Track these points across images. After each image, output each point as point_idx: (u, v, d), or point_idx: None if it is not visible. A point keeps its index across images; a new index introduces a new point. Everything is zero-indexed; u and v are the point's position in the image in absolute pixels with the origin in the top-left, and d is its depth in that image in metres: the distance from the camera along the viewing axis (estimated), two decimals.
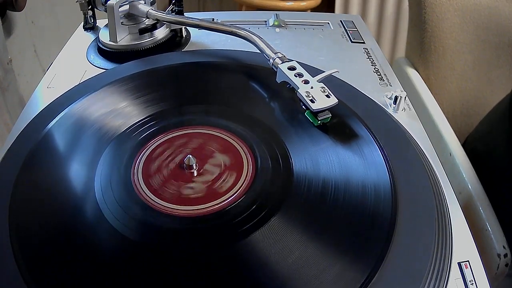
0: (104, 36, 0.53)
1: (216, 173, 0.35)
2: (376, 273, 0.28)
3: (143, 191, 0.34)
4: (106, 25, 0.54)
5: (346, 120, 0.40)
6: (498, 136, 0.59)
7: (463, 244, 0.32)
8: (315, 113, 0.39)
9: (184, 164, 0.36)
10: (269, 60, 0.44)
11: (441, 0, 0.75)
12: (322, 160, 0.36)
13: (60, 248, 0.30)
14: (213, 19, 0.59)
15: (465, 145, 0.63)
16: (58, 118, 0.41)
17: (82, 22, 0.59)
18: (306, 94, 0.39)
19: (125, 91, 0.44)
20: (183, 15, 0.55)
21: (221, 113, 0.42)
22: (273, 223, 0.31)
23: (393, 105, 0.45)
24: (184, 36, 0.56)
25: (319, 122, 0.39)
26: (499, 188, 0.54)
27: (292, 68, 0.42)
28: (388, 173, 0.34)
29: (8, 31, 0.74)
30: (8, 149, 0.38)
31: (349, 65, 0.52)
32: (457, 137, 0.64)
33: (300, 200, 0.33)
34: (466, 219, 0.34)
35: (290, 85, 0.42)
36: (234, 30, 0.48)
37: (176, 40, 0.55)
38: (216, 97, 0.44)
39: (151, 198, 0.33)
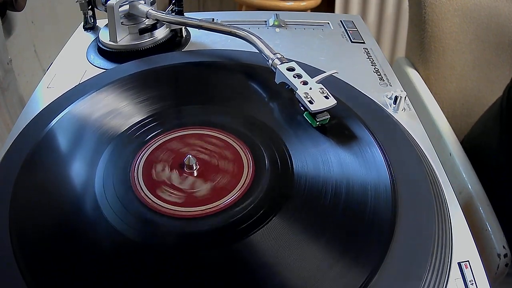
0: (104, 36, 0.53)
1: (216, 174, 0.35)
2: (376, 273, 0.28)
3: (143, 191, 0.34)
4: (106, 25, 0.54)
5: (346, 120, 0.40)
6: (491, 137, 0.59)
7: (463, 244, 0.32)
8: (314, 114, 0.39)
9: (184, 164, 0.36)
10: (268, 61, 0.44)
11: (441, 0, 0.75)
12: (322, 161, 0.36)
13: (61, 248, 0.30)
14: (213, 19, 0.60)
15: (461, 145, 0.63)
16: (58, 118, 0.41)
17: (82, 22, 0.59)
18: (305, 95, 0.39)
19: (125, 91, 0.44)
20: (183, 15, 0.55)
21: (221, 113, 0.42)
22: (273, 223, 0.31)
23: (393, 105, 0.45)
24: (184, 36, 0.56)
25: (318, 123, 0.39)
26: (495, 188, 0.54)
27: (291, 69, 0.42)
28: (388, 173, 0.34)
29: (8, 31, 0.74)
30: (8, 149, 0.38)
31: (349, 65, 0.52)
32: (457, 137, 0.64)
33: (301, 201, 0.33)
34: (466, 219, 0.34)
35: (289, 86, 0.42)
36: (233, 30, 0.48)
37: (176, 40, 0.55)
38: (216, 98, 0.44)
39: (151, 199, 0.33)
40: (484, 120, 0.65)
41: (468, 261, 0.31)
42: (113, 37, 0.51)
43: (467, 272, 0.31)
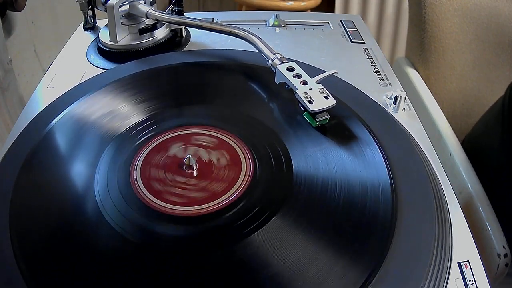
0: (104, 36, 0.53)
1: (216, 174, 0.35)
2: (376, 273, 0.28)
3: (142, 191, 0.34)
4: (106, 25, 0.54)
5: (346, 120, 0.40)
6: (492, 137, 0.59)
7: (463, 244, 0.32)
8: (313, 114, 0.39)
9: (184, 164, 0.36)
10: (268, 61, 0.44)
11: (441, 0, 0.75)
12: (322, 161, 0.36)
13: (60, 248, 0.30)
14: (213, 19, 0.60)
15: (462, 145, 0.63)
16: (58, 118, 0.41)
17: (82, 22, 0.59)
18: (305, 95, 0.39)
19: (125, 91, 0.44)
20: (183, 15, 0.55)
21: (220, 113, 0.42)
22: (273, 223, 0.31)
23: (393, 105, 0.45)
24: (184, 36, 0.56)
25: (317, 123, 0.39)
26: (495, 188, 0.54)
27: (290, 69, 0.42)
28: (388, 173, 0.34)
29: (8, 31, 0.74)
30: (8, 149, 0.38)
31: (349, 65, 0.52)
32: (457, 137, 0.64)
33: (300, 201, 0.33)
34: (466, 219, 0.34)
35: (289, 86, 0.42)
36: (233, 30, 0.48)
37: (176, 40, 0.55)
38: (215, 97, 0.44)
39: (150, 199, 0.33)
40: (485, 120, 0.65)
41: (468, 261, 0.31)
42: (113, 37, 0.51)
43: (467, 272, 0.31)
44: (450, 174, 0.55)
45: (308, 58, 0.51)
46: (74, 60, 0.52)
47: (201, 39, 0.56)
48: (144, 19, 0.53)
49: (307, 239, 0.30)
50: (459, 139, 0.64)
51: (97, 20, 0.59)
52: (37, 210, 0.33)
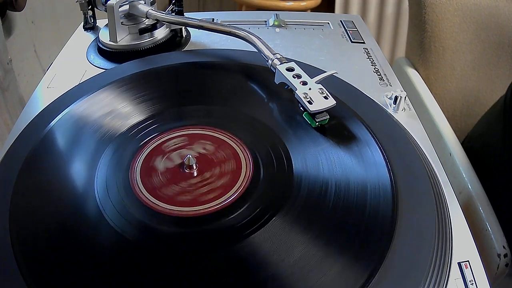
0: (104, 36, 0.53)
1: (215, 174, 0.35)
2: (376, 273, 0.28)
3: (142, 192, 0.34)
4: (106, 25, 0.54)
5: (346, 120, 0.40)
6: (493, 136, 0.59)
7: (463, 244, 0.32)
8: (313, 115, 0.39)
9: (184, 165, 0.36)
10: (267, 61, 0.44)
11: (441, 0, 0.75)
12: (322, 161, 0.36)
13: (60, 249, 0.30)
14: (213, 19, 0.60)
15: (463, 144, 0.63)
16: (58, 118, 0.41)
17: (82, 22, 0.59)
18: (304, 96, 0.39)
19: (125, 91, 0.44)
20: (183, 15, 0.55)
21: (220, 113, 0.42)
22: (273, 223, 0.31)
23: (393, 105, 0.45)
24: (184, 36, 0.56)
25: (317, 123, 0.39)
26: (496, 188, 0.54)
27: (290, 69, 0.42)
28: (388, 173, 0.34)
29: (8, 31, 0.74)
30: (8, 149, 0.38)
31: (349, 65, 0.52)
32: (457, 137, 0.64)
33: (300, 201, 0.33)
34: (466, 219, 0.34)
35: (289, 86, 0.42)
36: (233, 30, 0.48)
37: (176, 40, 0.55)
38: (215, 98, 0.44)
39: (150, 199, 0.33)
40: (486, 120, 0.65)
41: (468, 261, 0.31)
42: (113, 37, 0.51)
43: (467, 272, 0.31)
44: (450, 174, 0.55)
45: (308, 58, 0.51)
46: (74, 60, 0.52)
47: (201, 39, 0.56)
48: (144, 19, 0.53)
49: (307, 239, 0.30)
50: (459, 139, 0.64)
51: (97, 20, 0.59)
52: (37, 210, 0.33)
